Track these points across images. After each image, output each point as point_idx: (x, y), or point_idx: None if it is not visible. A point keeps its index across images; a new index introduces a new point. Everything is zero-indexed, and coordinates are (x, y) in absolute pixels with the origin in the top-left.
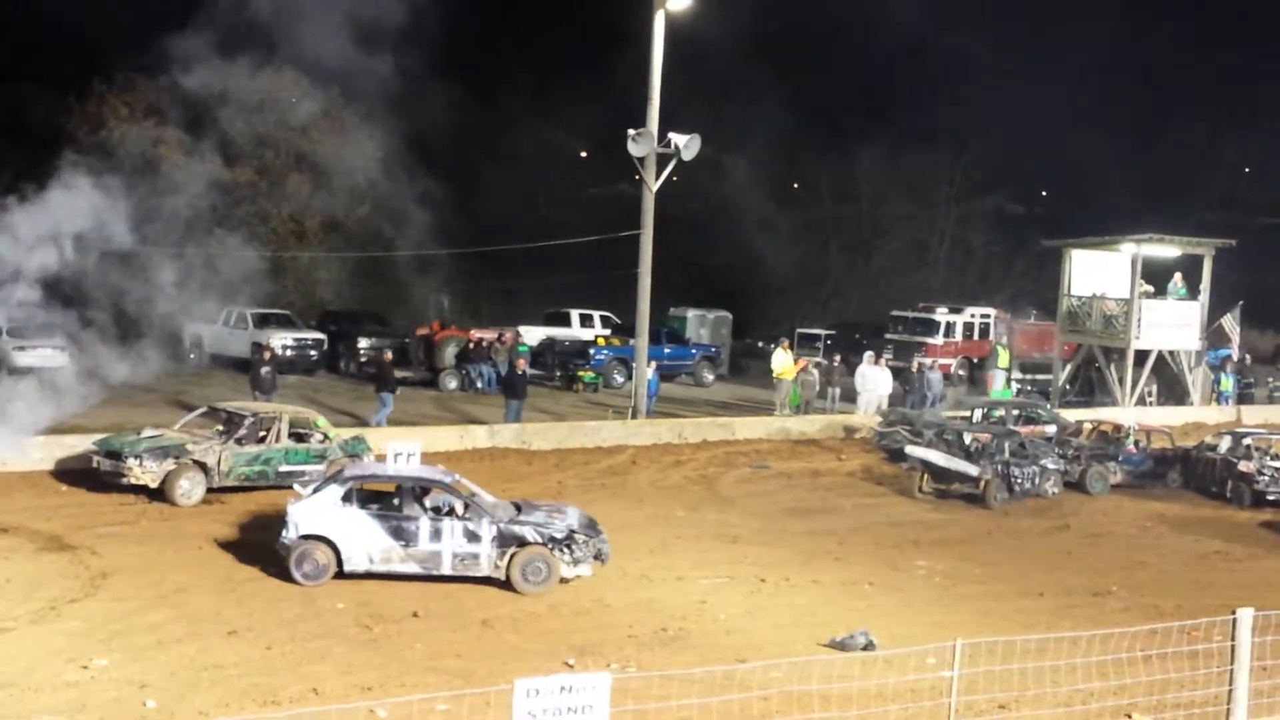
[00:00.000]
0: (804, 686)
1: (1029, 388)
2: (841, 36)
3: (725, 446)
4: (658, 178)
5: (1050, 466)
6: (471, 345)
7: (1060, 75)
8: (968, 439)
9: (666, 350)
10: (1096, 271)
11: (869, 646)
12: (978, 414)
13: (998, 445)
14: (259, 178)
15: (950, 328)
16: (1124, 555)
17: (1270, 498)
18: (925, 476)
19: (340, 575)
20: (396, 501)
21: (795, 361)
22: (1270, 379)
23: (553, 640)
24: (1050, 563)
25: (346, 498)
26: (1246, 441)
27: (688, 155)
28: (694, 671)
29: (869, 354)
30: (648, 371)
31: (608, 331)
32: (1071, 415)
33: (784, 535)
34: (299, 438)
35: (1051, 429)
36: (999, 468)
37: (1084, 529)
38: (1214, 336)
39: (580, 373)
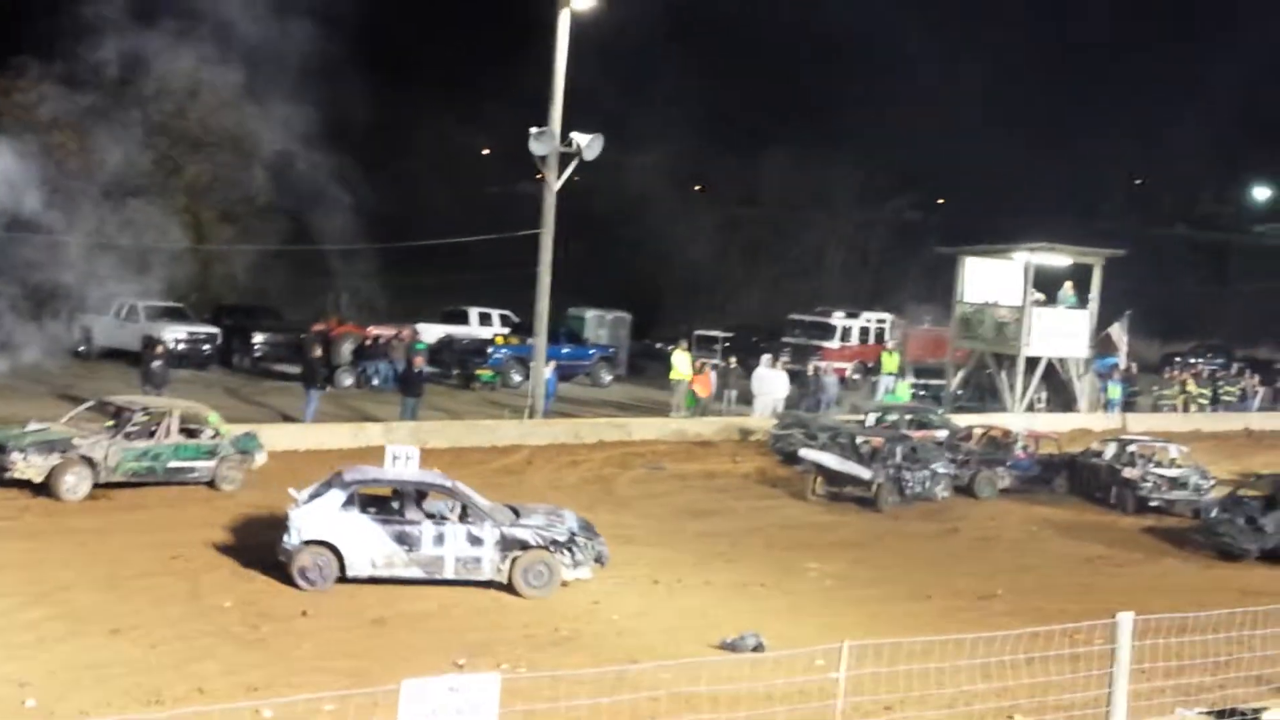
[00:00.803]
0: (694, 688)
1: (922, 392)
2: (747, 40)
3: (622, 447)
4: (559, 177)
5: (941, 471)
6: (368, 342)
7: (960, 84)
8: (861, 442)
9: (565, 350)
10: (990, 279)
11: (759, 648)
12: (871, 418)
13: (890, 449)
14: (154, 167)
15: (846, 332)
16: (1010, 559)
17: (1153, 504)
18: (819, 479)
19: (342, 580)
20: (397, 506)
21: (694, 364)
22: (1155, 387)
23: (445, 640)
24: (939, 566)
25: (349, 502)
26: (1131, 449)
27: (589, 155)
28: (584, 672)
29: (766, 357)
30: (545, 371)
31: (506, 330)
32: (963, 420)
33: (678, 537)
34: (190, 433)
35: (943, 434)
36: (891, 471)
37: (972, 533)
38: (1102, 345)
39: (478, 371)
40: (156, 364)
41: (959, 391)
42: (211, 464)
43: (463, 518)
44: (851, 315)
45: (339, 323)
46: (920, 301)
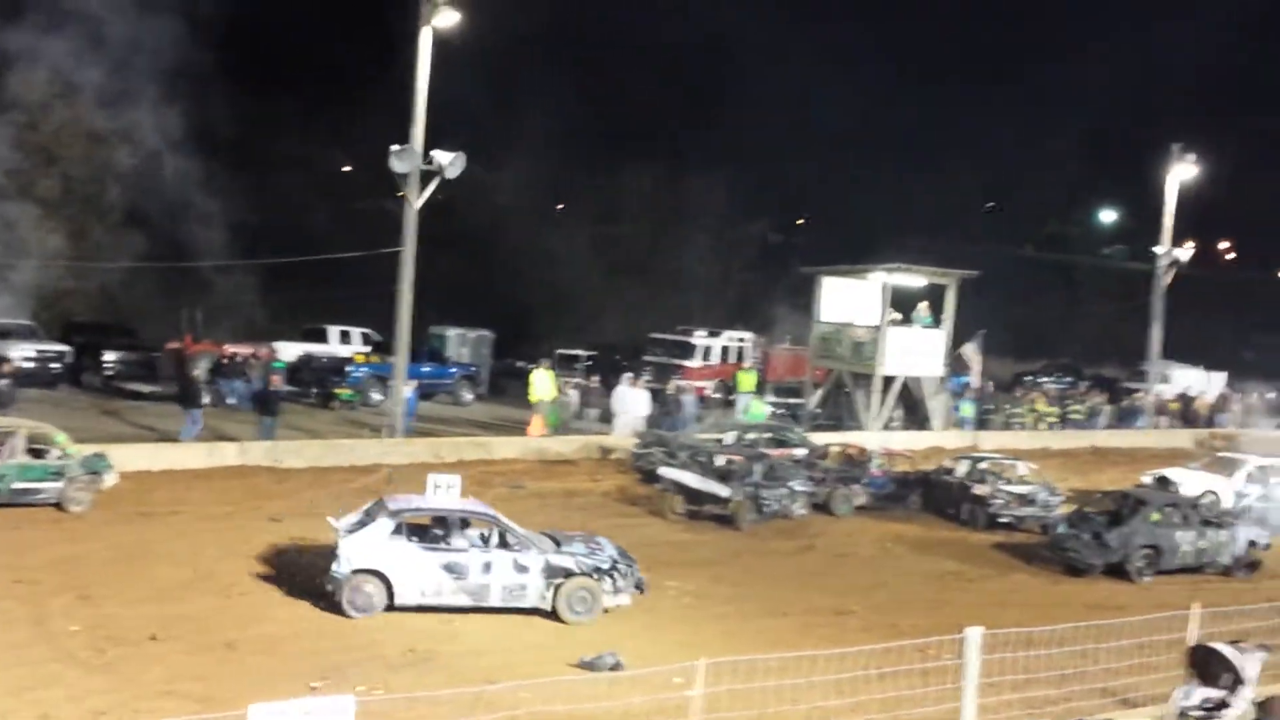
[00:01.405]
0: (551, 707)
1: (782, 411)
2: (611, 59)
3: (482, 466)
4: (421, 195)
5: (798, 489)
6: (225, 360)
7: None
8: (720, 461)
9: (426, 368)
10: (848, 299)
11: (617, 666)
12: (730, 436)
13: (749, 468)
14: (6, 180)
15: (707, 351)
16: (865, 575)
17: (1003, 520)
18: (678, 498)
19: (390, 609)
20: (442, 534)
21: (556, 384)
22: (1007, 405)
23: (299, 663)
24: (796, 583)
25: (397, 531)
26: (982, 466)
27: (452, 173)
28: (441, 693)
29: (627, 375)
30: (406, 390)
31: (367, 349)
32: (820, 438)
33: None
34: (36, 454)
35: (801, 452)
36: (749, 490)
37: (829, 550)
38: (955, 364)
39: (337, 390)
40: (3, 383)
41: (817, 410)
42: (59, 485)
43: (502, 545)
44: (713, 334)
45: (194, 340)
46: (781, 321)
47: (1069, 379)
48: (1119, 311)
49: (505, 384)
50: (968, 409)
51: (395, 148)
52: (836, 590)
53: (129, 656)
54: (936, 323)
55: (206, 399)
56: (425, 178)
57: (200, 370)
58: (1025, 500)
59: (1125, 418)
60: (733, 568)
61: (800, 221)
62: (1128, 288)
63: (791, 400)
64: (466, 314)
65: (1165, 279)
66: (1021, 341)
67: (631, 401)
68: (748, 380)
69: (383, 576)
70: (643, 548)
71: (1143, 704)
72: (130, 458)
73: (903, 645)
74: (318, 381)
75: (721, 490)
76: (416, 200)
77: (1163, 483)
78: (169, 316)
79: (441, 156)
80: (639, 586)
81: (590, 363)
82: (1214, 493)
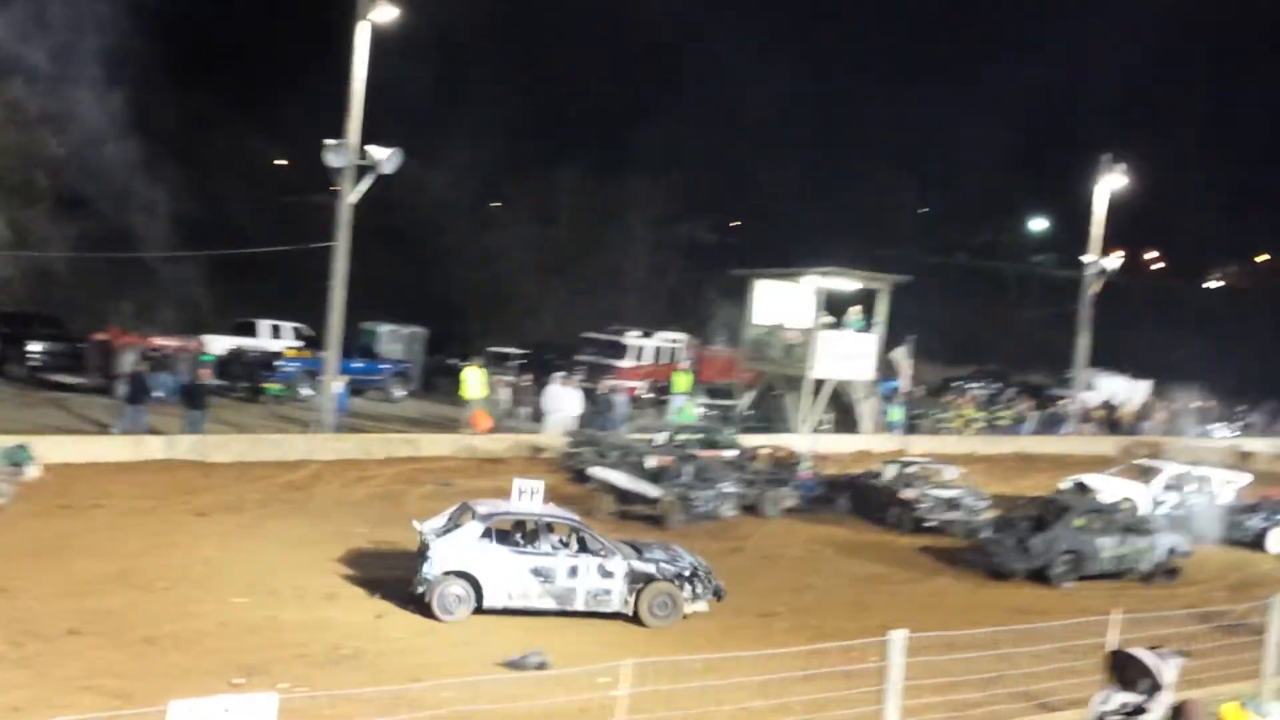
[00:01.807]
0: (476, 706)
1: (713, 413)
2: (546, 58)
3: (412, 463)
4: (356, 190)
5: (728, 490)
6: (152, 353)
7: (756, 111)
8: (651, 462)
9: (357, 364)
10: (780, 302)
11: (542, 666)
12: (661, 437)
13: (679, 468)
14: None
15: (639, 351)
16: (792, 577)
17: (929, 524)
18: (608, 497)
19: (478, 611)
20: (529, 538)
21: (488, 381)
22: (936, 410)
23: (221, 659)
24: (723, 584)
25: (486, 535)
26: (910, 470)
27: (387, 169)
28: (364, 691)
29: (559, 374)
30: (337, 385)
31: (298, 344)
32: (751, 441)
33: None
34: None
35: (731, 454)
36: (679, 490)
37: (757, 551)
38: (886, 368)
39: (266, 385)
40: None
41: (748, 412)
42: None
43: (586, 550)
44: (645, 335)
45: (122, 332)
46: (713, 322)
47: (997, 385)
48: (1047, 319)
49: (438, 381)
50: (897, 413)
51: (330, 142)
52: (763, 592)
53: (47, 651)
54: (868, 327)
55: (158, 393)
56: (360, 173)
57: (128, 363)
58: (951, 505)
59: (1051, 424)
60: None
61: (734, 224)
62: (1056, 295)
63: (723, 402)
64: (400, 310)
65: (1093, 287)
66: (951, 347)
67: (563, 401)
68: (683, 381)
69: (472, 579)
70: None
71: (1062, 708)
72: (54, 450)
73: (828, 647)
74: (247, 375)
75: (651, 490)
76: (351, 195)
77: (1081, 489)
78: (103, 308)
79: (377, 152)
80: (717, 593)
81: (523, 361)
82: (1131, 499)
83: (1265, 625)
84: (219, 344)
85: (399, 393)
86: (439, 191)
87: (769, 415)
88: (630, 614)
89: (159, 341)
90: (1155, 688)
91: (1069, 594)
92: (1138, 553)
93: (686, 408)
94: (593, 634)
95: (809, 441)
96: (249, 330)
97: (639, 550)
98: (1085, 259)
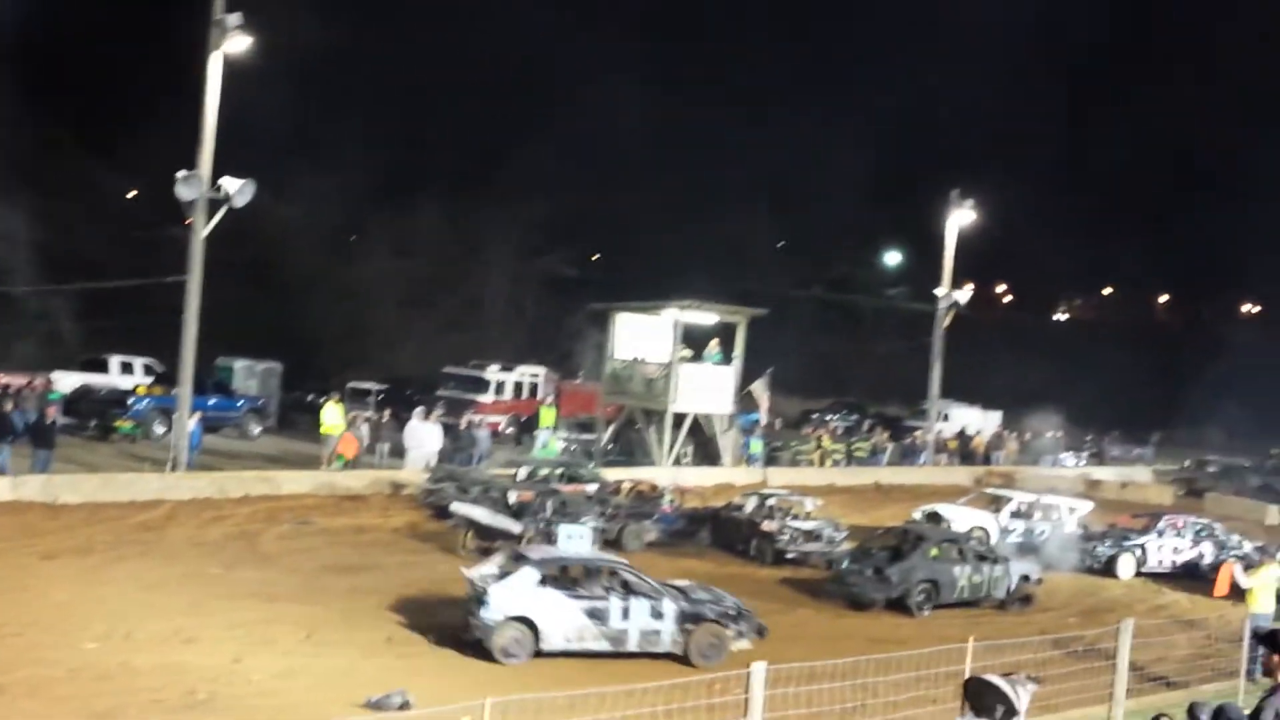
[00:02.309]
0: None
1: (574, 447)
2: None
3: (269, 501)
4: (208, 223)
5: (590, 524)
6: None
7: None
8: (512, 496)
9: (212, 401)
10: (640, 335)
11: (405, 705)
12: (522, 472)
13: (540, 503)
14: None
15: (501, 386)
16: None
17: (789, 556)
18: (470, 533)
19: (536, 654)
20: (581, 582)
21: (346, 417)
22: (794, 443)
23: (73, 706)
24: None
25: (543, 580)
26: (770, 502)
27: (240, 201)
28: None
29: (419, 410)
30: (190, 423)
31: (149, 380)
32: (612, 474)
33: (325, 593)
34: None
35: (593, 487)
36: (541, 525)
37: None
38: (745, 401)
39: (117, 423)
40: None
41: (609, 446)
42: None
43: (632, 593)
44: (506, 369)
45: None
46: (574, 356)
47: (854, 417)
48: (902, 351)
49: (295, 417)
50: (757, 446)
51: (182, 174)
52: None
53: None
54: (727, 360)
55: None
56: (213, 205)
57: None
58: (811, 536)
59: (907, 455)
60: None
61: (594, 257)
62: (910, 328)
63: (584, 436)
64: (256, 345)
65: (945, 320)
66: (809, 380)
67: (423, 436)
68: (548, 416)
69: (530, 623)
70: (434, 585)
71: None
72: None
73: (690, 681)
74: (97, 413)
75: (513, 526)
76: (203, 228)
77: (933, 518)
78: None
79: (230, 184)
80: (760, 632)
81: (382, 396)
82: (983, 528)
83: (1115, 650)
84: (67, 381)
85: (255, 429)
86: (295, 224)
87: (630, 449)
88: (680, 654)
89: (4, 379)
90: (1010, 714)
91: (927, 622)
92: (992, 580)
93: (551, 442)
94: (457, 673)
95: (670, 475)
96: (99, 367)
97: (684, 592)
98: (938, 292)
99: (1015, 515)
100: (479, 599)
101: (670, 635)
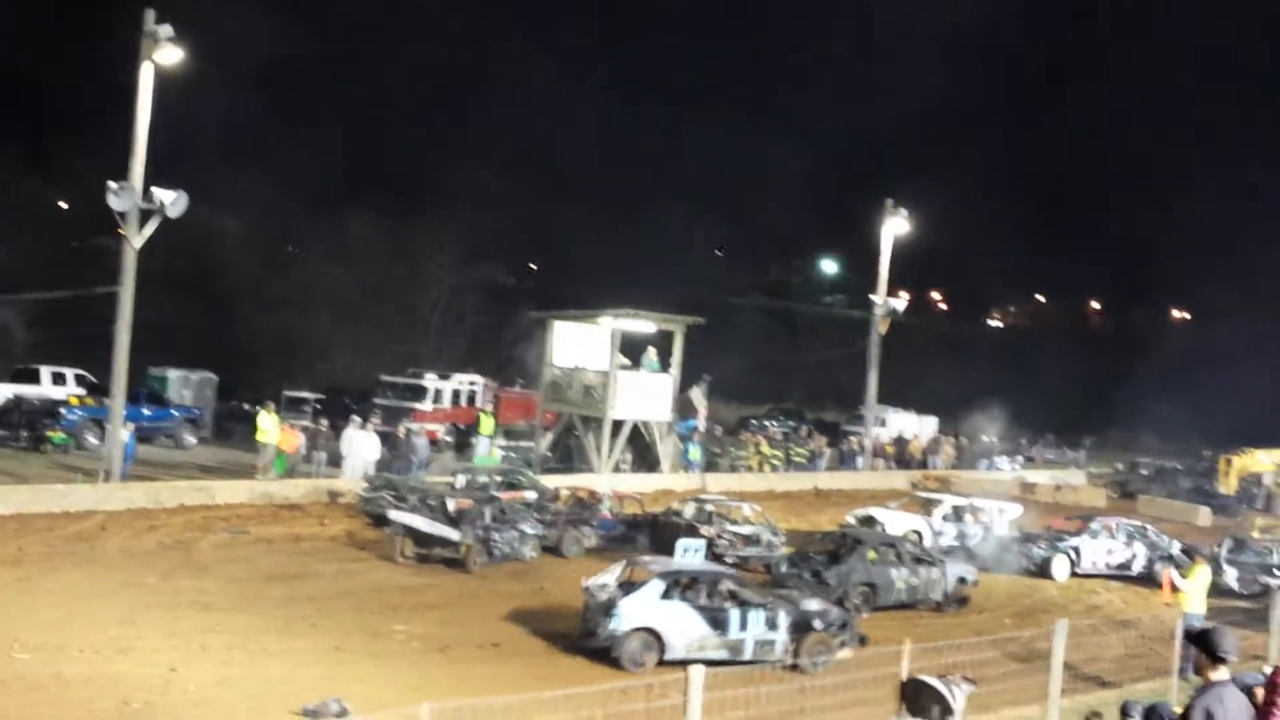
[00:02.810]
0: None
1: (513, 454)
2: (339, 99)
3: (204, 511)
4: (141, 234)
5: (529, 531)
6: None
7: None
8: (451, 504)
9: (146, 411)
10: (578, 343)
11: (342, 714)
12: (461, 480)
13: (479, 511)
14: None
15: (439, 394)
16: None
17: (728, 560)
18: (408, 541)
19: (660, 663)
20: (701, 593)
21: (281, 426)
22: (734, 449)
23: (4, 718)
24: (525, 624)
25: (667, 592)
26: (708, 508)
27: (173, 212)
28: None
29: (355, 419)
30: (123, 433)
31: (82, 391)
32: (551, 481)
33: (261, 602)
34: None
35: (532, 495)
36: (480, 533)
37: (559, 591)
38: (683, 408)
39: (49, 433)
40: None
41: (548, 453)
42: None
43: (746, 604)
44: (444, 377)
45: None
46: (512, 364)
47: (792, 423)
48: (839, 357)
49: (231, 427)
50: (695, 452)
51: (113, 185)
52: (567, 631)
53: None
54: (664, 367)
55: None
56: (146, 216)
57: None
58: (749, 540)
59: (845, 460)
60: (463, 611)
61: (532, 266)
62: (847, 335)
63: (522, 443)
64: (190, 355)
65: (881, 327)
66: (747, 386)
67: (360, 445)
68: (487, 424)
69: (656, 633)
70: (371, 592)
71: None
72: None
73: (630, 685)
74: (28, 424)
75: (451, 533)
76: (136, 239)
77: (868, 522)
78: None
79: (163, 194)
80: (861, 641)
81: (319, 405)
82: (917, 531)
83: (1050, 650)
84: None
85: (190, 440)
86: (230, 234)
87: (569, 456)
88: (790, 662)
89: None
90: (946, 714)
91: (865, 625)
92: (929, 583)
93: (490, 450)
94: (395, 679)
95: (609, 481)
96: (30, 377)
97: (795, 602)
98: (874, 299)
99: (947, 518)
100: (607, 610)
101: (783, 644)
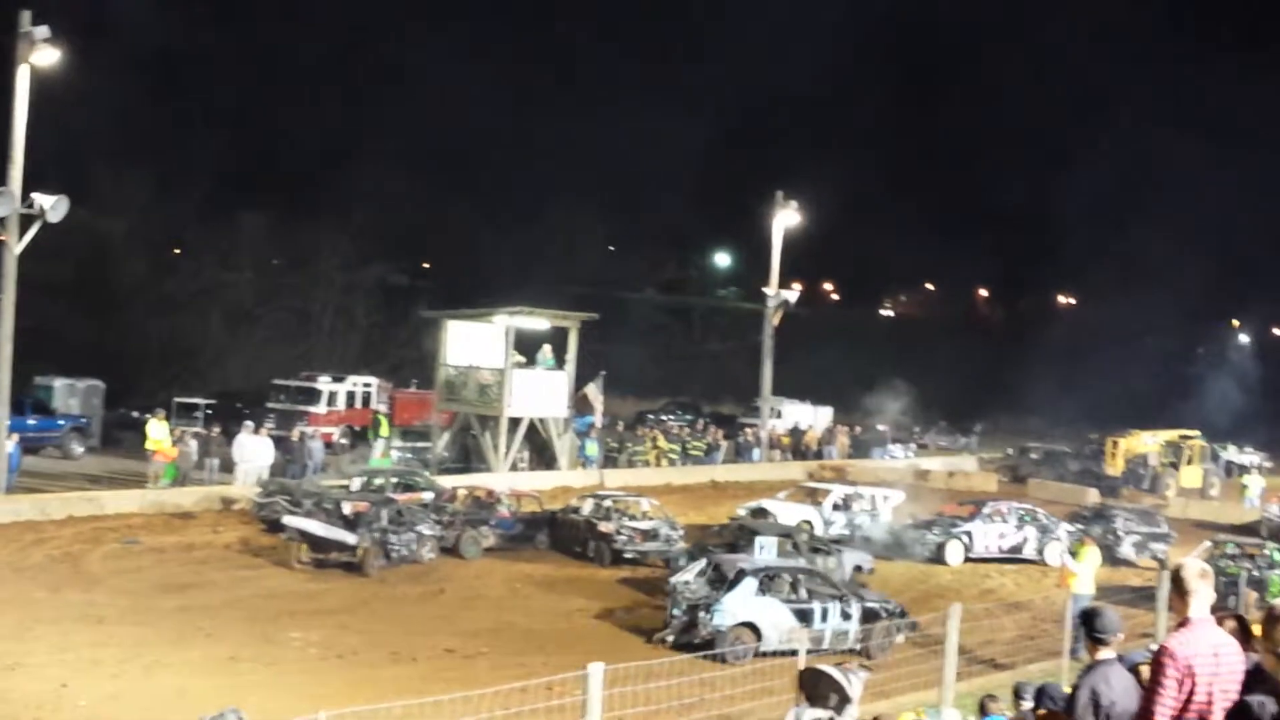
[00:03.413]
0: None
1: (409, 455)
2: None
3: (94, 522)
4: (21, 239)
5: (427, 533)
6: None
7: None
8: (346, 508)
9: (30, 421)
10: (472, 342)
11: None
12: (357, 482)
13: (376, 513)
14: None
15: (333, 396)
16: (494, 616)
17: (628, 555)
18: (304, 546)
19: (758, 655)
20: (789, 588)
21: (173, 433)
22: (631, 444)
23: None
24: (425, 627)
25: (761, 589)
26: (607, 504)
27: (54, 217)
28: None
29: (247, 424)
30: (8, 444)
31: None
32: (449, 481)
33: (154, 613)
34: None
35: (429, 495)
36: (377, 535)
37: (458, 593)
38: (579, 404)
39: None
40: None
41: (445, 453)
42: None
43: (825, 596)
44: (338, 379)
45: None
46: (407, 364)
47: (689, 416)
48: (734, 350)
49: (120, 435)
50: (593, 448)
51: None
52: (466, 633)
53: None
54: (560, 364)
55: None
56: (26, 221)
57: None
58: (648, 535)
59: (742, 452)
60: (361, 615)
61: (425, 265)
62: (742, 328)
63: (419, 444)
64: (77, 363)
65: (775, 318)
66: (643, 381)
67: (252, 450)
68: (384, 425)
69: (755, 627)
70: (266, 599)
71: None
72: None
73: (529, 685)
74: None
75: (348, 537)
76: (16, 245)
77: (760, 514)
78: None
79: (43, 199)
80: (913, 627)
81: (210, 411)
82: (808, 521)
83: (945, 635)
84: None
85: (78, 449)
86: (115, 238)
87: (466, 455)
88: (859, 649)
89: None
90: (844, 701)
91: None
92: (826, 571)
93: (386, 451)
94: (293, 687)
95: (507, 480)
96: None
97: (860, 595)
98: (767, 291)
99: (837, 507)
100: (707, 607)
101: (853, 633)
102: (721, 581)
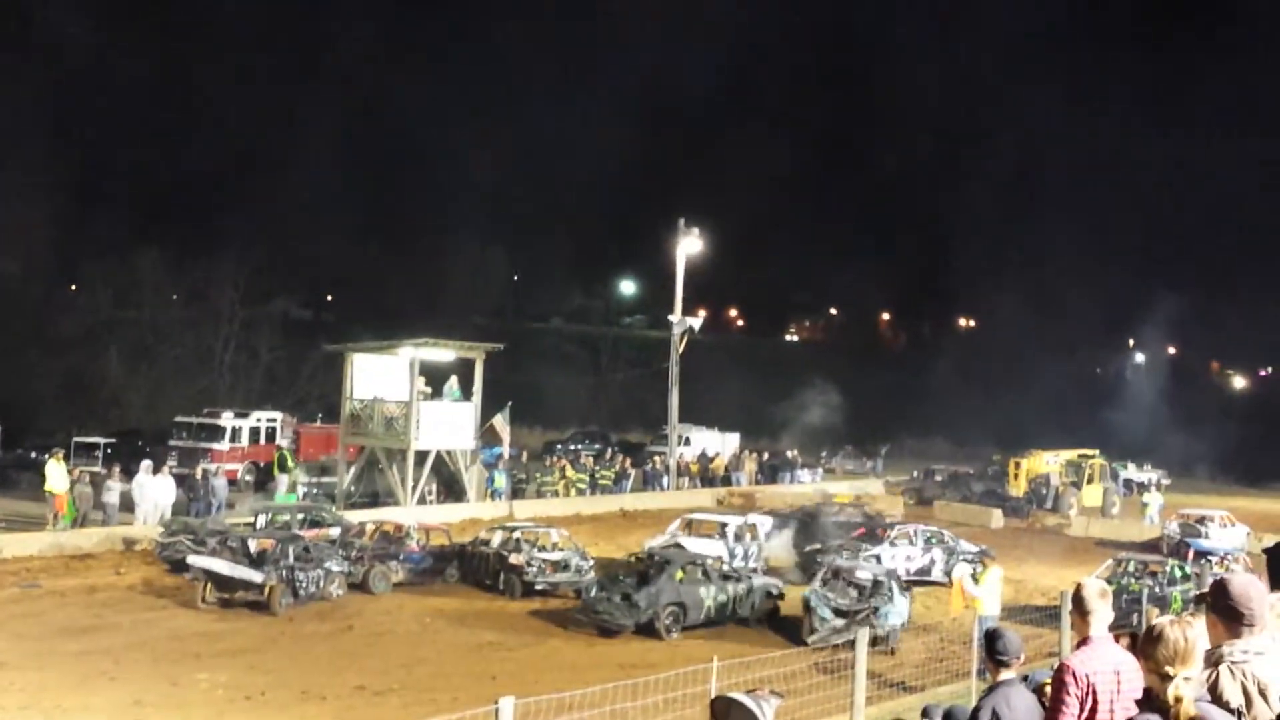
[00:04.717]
0: None
1: (315, 491)
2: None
3: None
4: None
5: (334, 569)
6: None
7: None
8: (252, 545)
9: None
10: (378, 375)
11: None
12: (262, 519)
13: (282, 550)
14: None
15: (236, 433)
16: (405, 652)
17: (539, 587)
18: (209, 586)
19: None
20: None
21: (71, 473)
22: (539, 474)
23: None
24: (334, 665)
25: (901, 590)
26: (516, 535)
27: None
28: None
29: (146, 463)
30: None
31: None
32: (356, 516)
33: (54, 658)
34: None
35: (336, 531)
36: (283, 573)
37: (367, 629)
38: (487, 435)
39: None
40: None
41: (352, 488)
42: None
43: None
44: (241, 415)
45: None
46: (311, 399)
47: (597, 445)
48: (641, 378)
49: (16, 476)
50: (501, 480)
51: None
52: (377, 670)
53: None
54: (466, 396)
55: None
56: None
57: None
58: (558, 566)
59: (650, 480)
60: (268, 654)
61: (329, 298)
62: (648, 355)
63: (325, 479)
64: None
65: (680, 346)
66: (551, 411)
67: (152, 489)
68: (289, 461)
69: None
70: (171, 641)
71: None
72: None
73: (443, 718)
74: None
75: (254, 575)
76: None
77: (677, 546)
78: None
79: None
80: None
81: (109, 450)
82: (719, 557)
83: (854, 659)
84: None
85: None
86: (8, 277)
87: (374, 489)
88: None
89: None
90: None
91: (676, 645)
92: (737, 598)
93: (292, 487)
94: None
95: (415, 513)
96: None
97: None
98: (671, 318)
99: (739, 538)
100: (875, 610)
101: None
102: (855, 586)
